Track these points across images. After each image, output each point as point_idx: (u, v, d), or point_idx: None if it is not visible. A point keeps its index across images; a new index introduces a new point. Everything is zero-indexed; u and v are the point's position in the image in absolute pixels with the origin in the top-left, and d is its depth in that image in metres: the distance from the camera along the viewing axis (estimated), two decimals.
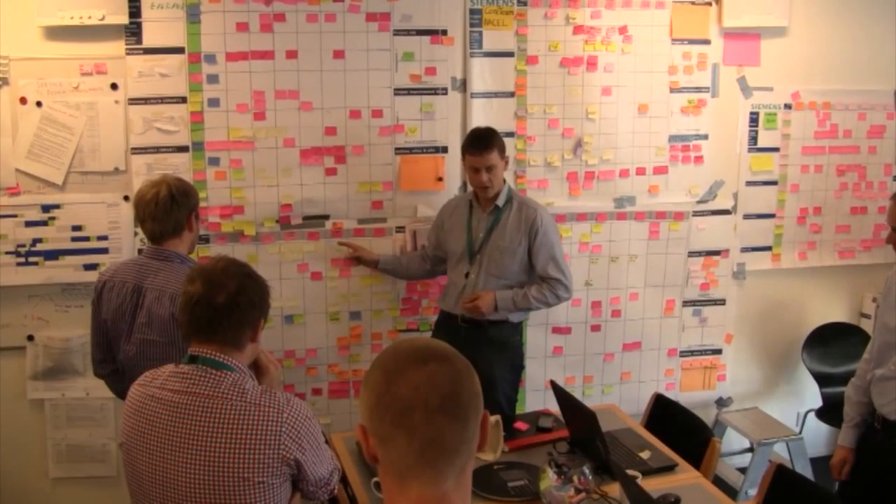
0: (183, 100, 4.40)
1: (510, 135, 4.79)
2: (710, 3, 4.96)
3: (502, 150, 4.26)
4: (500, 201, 4.33)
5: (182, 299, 2.51)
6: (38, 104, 4.26)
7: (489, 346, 4.36)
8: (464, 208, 4.45)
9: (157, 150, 4.39)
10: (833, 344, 5.30)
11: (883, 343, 3.52)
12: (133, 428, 2.46)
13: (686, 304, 5.25)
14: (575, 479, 3.19)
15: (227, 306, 2.45)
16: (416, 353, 1.59)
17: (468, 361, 1.63)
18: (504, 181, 4.36)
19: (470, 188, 4.48)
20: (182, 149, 4.43)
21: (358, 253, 4.61)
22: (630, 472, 3.43)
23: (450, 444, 1.53)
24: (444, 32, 4.65)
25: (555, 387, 3.99)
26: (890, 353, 3.47)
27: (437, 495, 1.54)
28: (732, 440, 5.40)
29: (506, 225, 4.32)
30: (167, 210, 3.38)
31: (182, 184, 3.47)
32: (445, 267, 4.57)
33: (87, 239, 4.38)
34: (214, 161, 4.47)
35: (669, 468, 3.62)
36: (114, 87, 4.32)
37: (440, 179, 4.75)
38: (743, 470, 5.14)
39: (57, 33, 4.23)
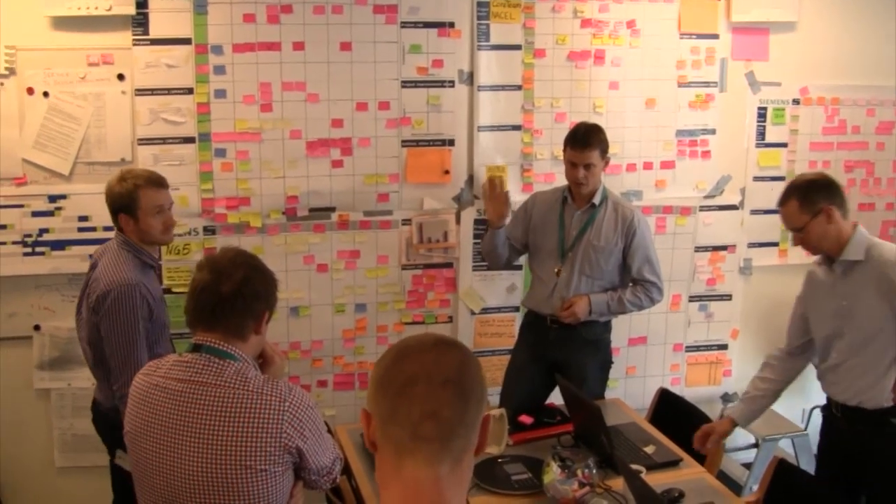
0: (190, 91, 4.40)
1: (517, 128, 4.79)
2: None
3: (604, 150, 4.15)
4: (597, 199, 4.22)
5: (189, 286, 2.53)
6: (45, 94, 4.26)
7: (581, 346, 4.27)
8: (556, 203, 4.33)
9: (163, 140, 4.40)
10: None
11: (823, 338, 3.56)
12: (137, 417, 2.47)
13: (692, 299, 5.25)
14: (579, 473, 3.18)
15: (231, 296, 2.45)
16: (427, 339, 1.66)
17: (476, 358, 1.66)
18: (600, 180, 4.24)
19: (563, 183, 4.37)
20: (188, 140, 4.43)
21: (500, 200, 4.26)
22: (634, 466, 3.43)
23: (447, 421, 1.55)
24: (452, 25, 4.64)
25: (559, 381, 3.99)
26: (832, 343, 3.51)
27: (431, 476, 1.55)
28: (737, 436, 5.36)
29: (601, 224, 4.21)
30: (108, 208, 3.55)
31: (119, 186, 3.52)
32: (517, 258, 4.52)
33: (93, 229, 4.38)
34: (221, 152, 4.47)
35: (674, 463, 3.62)
36: (120, 77, 4.32)
37: (447, 172, 4.75)
38: (748, 465, 5.13)
39: (64, 23, 4.23)
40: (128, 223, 3.49)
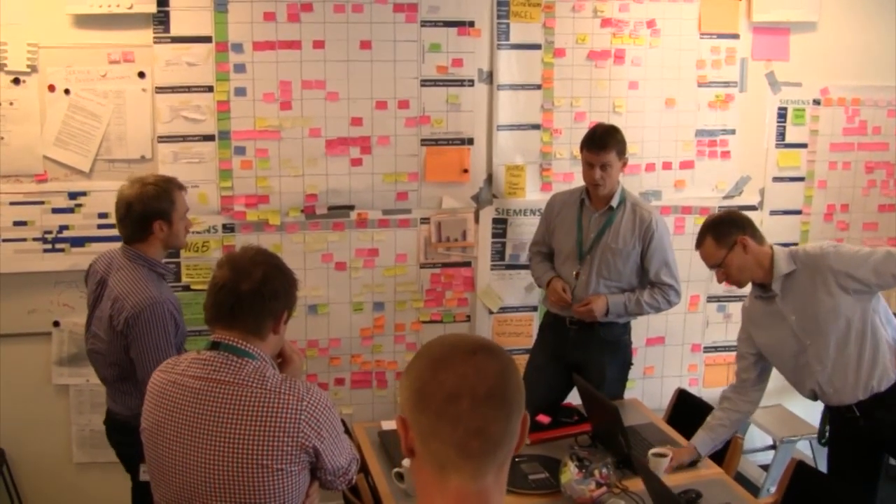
0: (210, 89, 4.41)
1: (536, 127, 4.79)
2: None
3: (622, 151, 4.12)
4: (614, 202, 4.19)
5: (209, 284, 2.53)
6: (67, 92, 4.28)
7: (600, 347, 4.27)
8: (574, 205, 4.31)
9: (183, 138, 4.41)
10: None
11: (790, 359, 3.60)
12: (154, 414, 2.48)
13: (710, 299, 5.23)
14: (596, 473, 3.19)
15: (250, 294, 2.45)
16: (463, 344, 1.57)
17: (513, 358, 1.60)
18: (618, 182, 4.23)
19: (581, 182, 4.34)
20: (208, 137, 4.44)
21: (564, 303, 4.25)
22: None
23: (493, 436, 1.50)
24: (472, 24, 4.64)
25: (577, 381, 3.98)
26: (804, 360, 3.54)
27: (477, 490, 1.51)
28: (755, 437, 5.37)
29: (619, 227, 4.19)
30: (131, 218, 3.41)
31: (153, 190, 3.40)
32: None
33: (113, 226, 4.34)
34: (240, 150, 4.48)
35: (691, 463, 3.61)
36: (141, 75, 4.34)
37: (465, 171, 4.75)
38: (765, 467, 5.11)
39: (85, 21, 4.25)
40: (162, 229, 3.41)
